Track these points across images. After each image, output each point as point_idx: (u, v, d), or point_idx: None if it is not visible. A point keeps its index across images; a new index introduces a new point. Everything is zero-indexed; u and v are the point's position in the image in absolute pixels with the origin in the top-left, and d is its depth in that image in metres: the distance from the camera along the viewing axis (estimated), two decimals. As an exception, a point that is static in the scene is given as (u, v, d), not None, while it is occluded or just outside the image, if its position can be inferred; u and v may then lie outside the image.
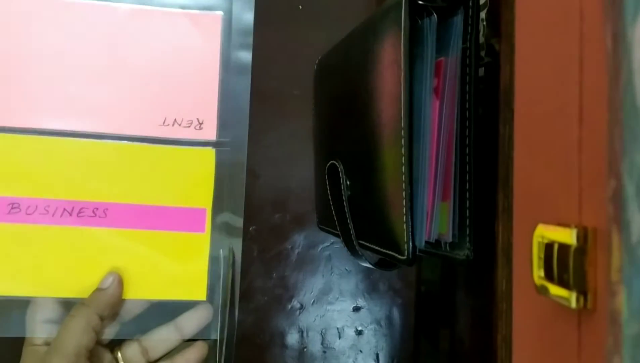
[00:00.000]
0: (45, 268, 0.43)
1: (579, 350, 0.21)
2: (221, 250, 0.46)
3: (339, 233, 0.44)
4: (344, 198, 0.42)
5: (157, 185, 0.45)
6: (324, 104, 0.50)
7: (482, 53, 0.38)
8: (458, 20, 0.34)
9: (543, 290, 0.22)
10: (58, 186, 0.44)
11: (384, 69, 0.36)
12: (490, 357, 0.36)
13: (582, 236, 0.20)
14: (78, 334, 0.39)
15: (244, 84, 0.47)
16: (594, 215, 0.20)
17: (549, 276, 0.22)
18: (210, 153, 0.46)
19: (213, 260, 0.45)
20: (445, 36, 0.35)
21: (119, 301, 0.44)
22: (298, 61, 0.53)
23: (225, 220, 0.46)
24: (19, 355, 0.42)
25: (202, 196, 0.46)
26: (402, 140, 0.33)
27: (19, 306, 0.42)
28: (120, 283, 0.43)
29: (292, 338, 0.52)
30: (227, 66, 0.47)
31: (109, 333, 0.44)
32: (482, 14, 0.38)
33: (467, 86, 0.34)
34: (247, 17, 0.47)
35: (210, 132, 0.46)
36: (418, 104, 0.34)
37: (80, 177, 0.44)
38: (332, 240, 0.53)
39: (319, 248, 0.53)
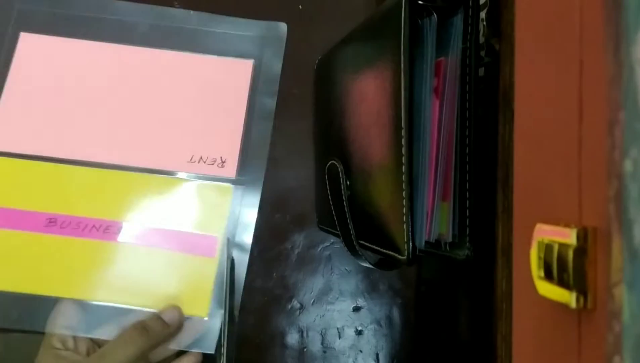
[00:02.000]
0: (74, 273, 0.48)
1: (579, 350, 0.21)
2: (226, 257, 0.49)
3: (339, 233, 0.44)
4: (344, 198, 0.42)
5: (176, 213, 0.50)
6: (324, 104, 0.50)
7: (482, 53, 0.37)
8: (458, 20, 0.34)
9: (543, 290, 0.22)
10: (90, 207, 0.50)
11: (384, 69, 0.36)
12: (490, 357, 0.36)
13: (582, 236, 0.20)
14: (132, 361, 0.40)
15: (266, 128, 0.52)
16: (594, 215, 0.20)
17: (549, 276, 0.22)
18: (228, 189, 0.51)
19: (218, 282, 0.49)
20: (445, 36, 0.35)
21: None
22: (298, 60, 0.53)
23: (234, 247, 0.50)
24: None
25: (216, 225, 0.50)
26: (402, 140, 0.33)
27: (47, 305, 0.47)
28: (182, 324, 0.46)
29: (292, 338, 0.52)
30: (253, 110, 0.51)
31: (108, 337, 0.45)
32: (482, 14, 0.38)
33: (467, 86, 0.34)
34: (276, 65, 0.52)
35: (230, 170, 0.51)
36: (418, 104, 0.34)
37: (110, 201, 0.50)
38: (332, 240, 0.53)
39: (319, 248, 0.53)
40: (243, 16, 0.52)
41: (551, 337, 0.24)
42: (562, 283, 0.21)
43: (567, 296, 0.21)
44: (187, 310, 0.47)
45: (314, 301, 0.53)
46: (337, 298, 0.53)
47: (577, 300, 0.20)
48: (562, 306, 0.21)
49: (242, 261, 0.50)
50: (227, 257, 0.48)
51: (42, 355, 0.43)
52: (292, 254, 0.53)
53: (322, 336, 0.53)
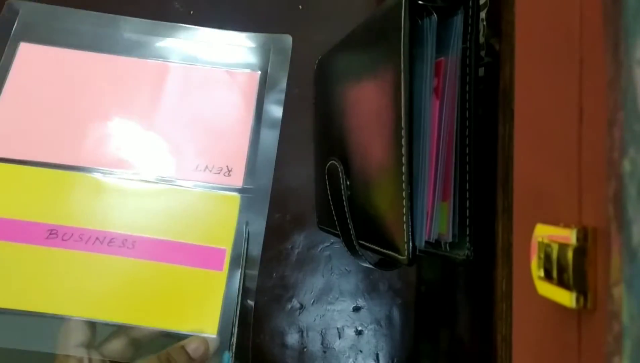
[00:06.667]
0: (77, 290, 0.46)
1: (579, 350, 0.21)
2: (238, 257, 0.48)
3: (339, 233, 0.44)
4: (344, 198, 0.42)
5: (183, 223, 0.49)
6: (324, 104, 0.50)
7: (482, 53, 0.38)
8: (458, 20, 0.34)
9: (543, 290, 0.22)
10: (93, 217, 0.48)
11: (384, 69, 0.36)
12: (490, 357, 0.36)
13: (582, 236, 0.20)
14: None
15: (273, 137, 0.51)
16: (594, 215, 0.20)
17: (548, 276, 0.22)
18: (235, 198, 0.50)
19: (227, 297, 0.47)
20: (445, 36, 0.35)
21: None
22: (298, 60, 0.53)
23: (243, 259, 0.48)
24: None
25: (223, 237, 0.49)
26: (402, 140, 0.33)
27: (51, 324, 0.44)
28: (207, 357, 0.45)
29: (292, 338, 0.52)
30: (259, 119, 0.51)
31: (120, 357, 0.44)
32: (482, 14, 0.38)
33: (467, 86, 0.34)
34: (281, 76, 0.52)
35: (237, 179, 0.50)
36: (418, 104, 0.34)
37: (113, 211, 0.48)
38: (332, 240, 0.53)
39: (319, 248, 0.53)
40: (243, 18, 0.52)
41: (551, 337, 0.24)
42: (562, 283, 0.21)
43: (567, 297, 0.21)
44: (195, 327, 0.46)
45: (314, 301, 0.53)
46: (337, 298, 0.53)
47: (577, 300, 0.20)
48: (562, 307, 0.21)
49: (251, 276, 0.48)
50: (241, 266, 0.47)
51: None
52: (292, 254, 0.53)
53: (322, 336, 0.53)
